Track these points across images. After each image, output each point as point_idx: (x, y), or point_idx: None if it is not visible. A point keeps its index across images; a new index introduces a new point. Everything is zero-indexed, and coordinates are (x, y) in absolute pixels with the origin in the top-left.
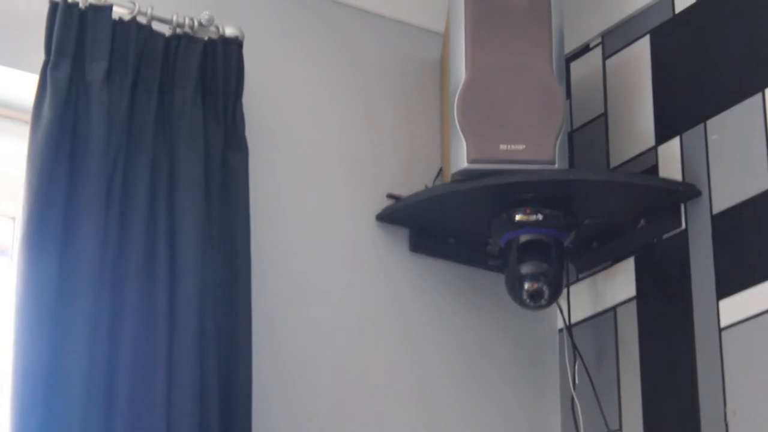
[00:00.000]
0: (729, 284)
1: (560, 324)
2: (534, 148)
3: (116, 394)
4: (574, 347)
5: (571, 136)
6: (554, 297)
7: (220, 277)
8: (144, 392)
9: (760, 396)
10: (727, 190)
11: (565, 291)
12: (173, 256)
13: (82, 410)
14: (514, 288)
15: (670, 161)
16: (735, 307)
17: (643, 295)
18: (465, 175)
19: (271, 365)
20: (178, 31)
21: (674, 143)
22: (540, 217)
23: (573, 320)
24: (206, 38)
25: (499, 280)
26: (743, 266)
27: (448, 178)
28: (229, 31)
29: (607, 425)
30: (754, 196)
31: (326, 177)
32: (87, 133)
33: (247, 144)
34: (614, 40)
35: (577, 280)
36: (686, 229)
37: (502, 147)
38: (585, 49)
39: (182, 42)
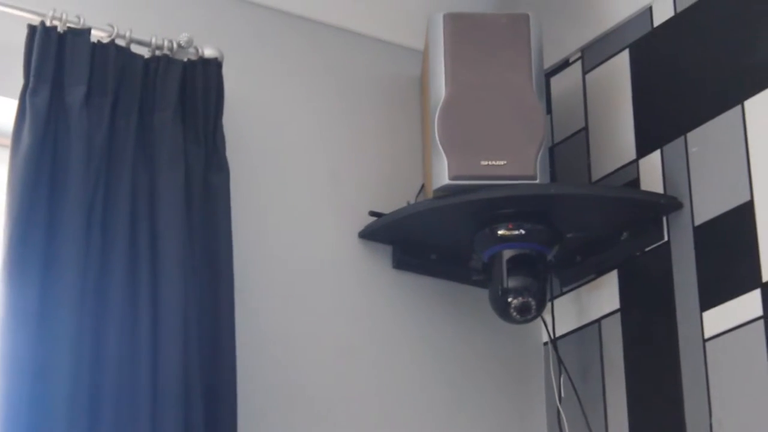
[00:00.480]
0: (712, 295)
1: (545, 338)
2: (515, 163)
3: (101, 416)
4: (559, 360)
5: (552, 150)
6: (539, 311)
7: (203, 297)
8: (129, 415)
9: (746, 406)
10: (709, 202)
11: (549, 305)
12: (156, 278)
13: (66, 420)
14: (498, 303)
15: (652, 174)
16: (718, 318)
17: (627, 308)
18: (447, 192)
19: (255, 384)
20: (158, 53)
21: (655, 156)
22: (523, 231)
23: (558, 334)
24: (185, 60)
25: (482, 295)
26: (726, 277)
27: (430, 195)
28: (209, 52)
29: None
30: (735, 208)
31: (308, 195)
32: (67, 156)
33: (228, 164)
34: (594, 54)
35: (561, 293)
36: (669, 242)
37: (483, 163)
38: (565, 64)
39: (161, 64)
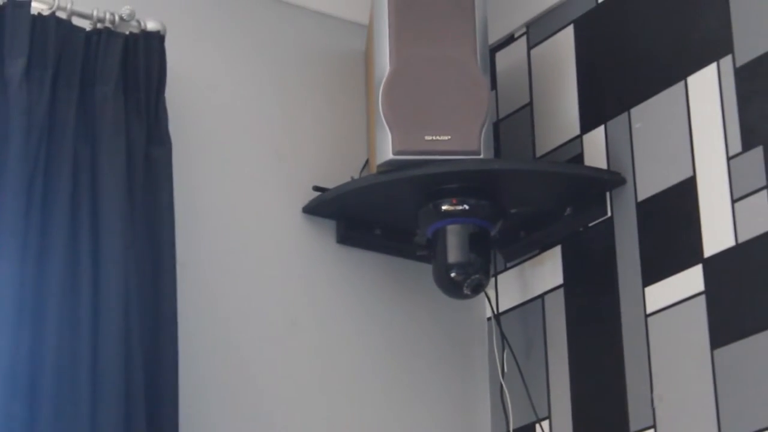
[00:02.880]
0: (654, 271)
1: (488, 313)
2: (459, 138)
3: (41, 392)
4: (503, 336)
5: (496, 126)
6: (482, 286)
7: (144, 271)
8: (68, 389)
9: (686, 381)
10: (652, 178)
11: (492, 280)
12: (96, 253)
13: (3, 410)
14: (441, 278)
15: (595, 150)
16: (660, 294)
17: (570, 283)
18: (391, 167)
19: (197, 358)
20: (99, 25)
21: (599, 132)
22: (466, 207)
23: (501, 309)
24: (127, 33)
25: (426, 270)
26: (668, 253)
27: (374, 170)
28: (151, 26)
29: (535, 413)
30: (677, 183)
31: (251, 170)
32: (6, 130)
33: (171, 138)
34: (539, 30)
35: (505, 269)
36: (612, 217)
37: (428, 138)
38: (510, 39)
39: (103, 37)
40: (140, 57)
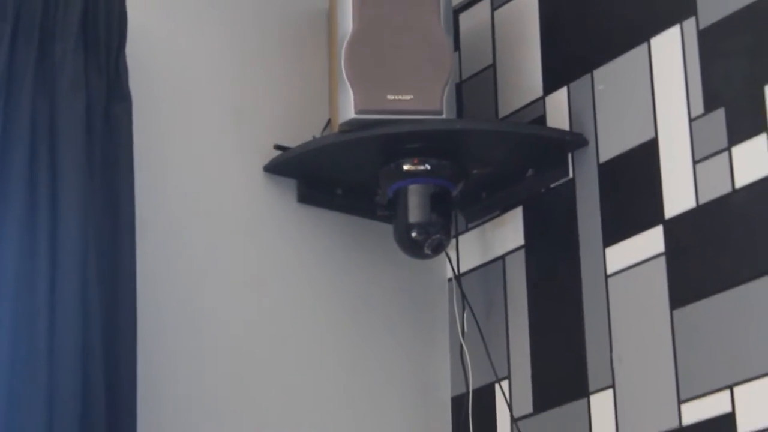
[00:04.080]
0: (615, 232)
1: (449, 273)
2: (422, 98)
3: None
4: (463, 296)
5: (459, 87)
6: (443, 247)
7: (103, 230)
8: (25, 345)
9: (645, 342)
10: (613, 140)
11: (453, 241)
12: (55, 208)
13: None
14: (402, 238)
15: (558, 111)
16: (621, 255)
17: (531, 244)
18: (353, 126)
19: (155, 318)
20: None
21: (562, 93)
22: (428, 167)
23: (462, 270)
24: None
25: (388, 230)
26: (629, 214)
27: (336, 129)
28: None
29: (495, 373)
30: (639, 145)
31: (212, 128)
32: None
33: (131, 95)
34: None
35: (466, 229)
36: (573, 179)
37: (390, 97)
38: (473, 0)
39: None
40: (101, 13)
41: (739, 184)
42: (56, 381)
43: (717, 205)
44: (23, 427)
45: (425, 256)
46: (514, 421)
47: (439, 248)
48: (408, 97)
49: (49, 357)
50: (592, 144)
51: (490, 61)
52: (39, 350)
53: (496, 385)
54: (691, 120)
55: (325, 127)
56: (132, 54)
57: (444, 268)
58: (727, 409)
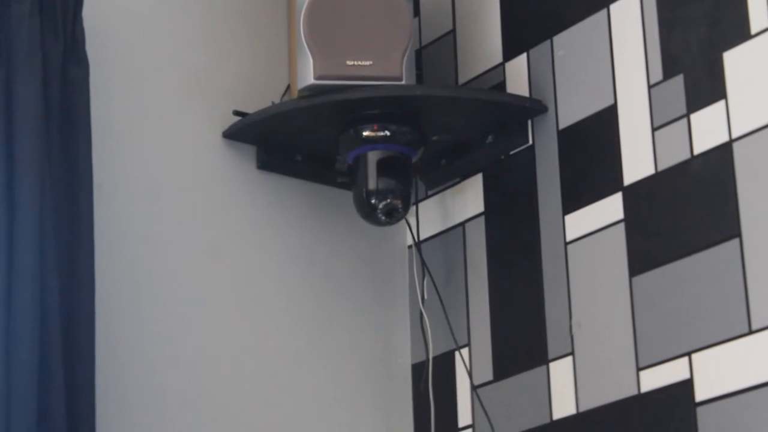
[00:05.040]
0: (575, 199)
1: (409, 241)
2: (381, 64)
3: None
4: (423, 263)
5: (419, 53)
6: (403, 213)
7: (60, 193)
8: None
9: (604, 308)
10: (573, 106)
11: (413, 208)
12: (11, 174)
13: None
14: (362, 205)
15: (518, 78)
16: (580, 221)
17: (491, 211)
18: (312, 92)
19: (114, 285)
20: None
21: (521, 60)
22: (387, 133)
23: (422, 237)
24: None
25: (347, 197)
26: (589, 181)
27: (295, 95)
28: None
29: (455, 340)
30: (598, 112)
31: (170, 93)
32: None
33: (88, 59)
34: None
35: (426, 197)
36: (533, 145)
37: (349, 63)
38: None
39: None
40: None
41: (697, 151)
42: (12, 373)
43: (676, 171)
44: None
45: (381, 223)
46: (474, 388)
47: (392, 213)
48: (367, 63)
49: (6, 318)
50: (551, 111)
51: (450, 27)
52: None
53: (456, 353)
54: (650, 86)
55: (285, 93)
56: (89, 17)
57: (404, 235)
58: (686, 375)
